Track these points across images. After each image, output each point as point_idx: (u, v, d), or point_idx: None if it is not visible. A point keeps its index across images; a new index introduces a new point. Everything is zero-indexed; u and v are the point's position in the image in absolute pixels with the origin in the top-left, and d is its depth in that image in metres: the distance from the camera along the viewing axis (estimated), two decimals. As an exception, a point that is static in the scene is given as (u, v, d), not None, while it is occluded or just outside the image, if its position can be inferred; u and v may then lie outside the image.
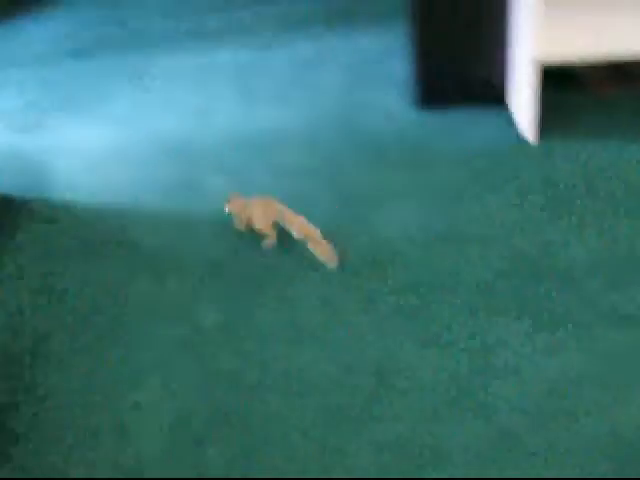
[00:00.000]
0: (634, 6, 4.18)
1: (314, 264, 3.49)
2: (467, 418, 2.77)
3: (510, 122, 4.36)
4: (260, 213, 3.56)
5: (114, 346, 3.23)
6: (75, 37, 6.13)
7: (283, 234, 3.60)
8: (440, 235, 3.60)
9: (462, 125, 4.38)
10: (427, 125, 4.43)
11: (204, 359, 3.13)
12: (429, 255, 3.49)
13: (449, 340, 3.08)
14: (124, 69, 5.52)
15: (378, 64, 5.15)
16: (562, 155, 4.05)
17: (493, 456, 2.63)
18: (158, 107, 4.96)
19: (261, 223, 3.58)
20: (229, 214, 3.71)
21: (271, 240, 3.60)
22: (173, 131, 4.69)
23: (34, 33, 6.27)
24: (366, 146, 4.31)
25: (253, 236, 3.66)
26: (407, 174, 4.05)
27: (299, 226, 3.51)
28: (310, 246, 3.50)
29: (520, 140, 4.20)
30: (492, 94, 4.48)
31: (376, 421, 2.80)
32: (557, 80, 4.57)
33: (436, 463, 2.62)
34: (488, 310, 3.18)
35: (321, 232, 3.48)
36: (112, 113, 4.96)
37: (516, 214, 3.68)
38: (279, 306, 3.34)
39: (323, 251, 3.46)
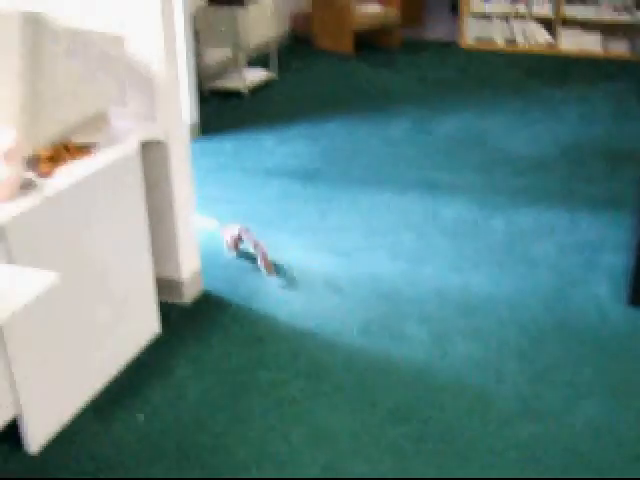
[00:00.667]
0: None
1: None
2: None
3: None
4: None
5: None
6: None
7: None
8: None
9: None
10: None
11: None
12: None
13: None
14: (356, 202, 5.91)
15: (594, 249, 5.18)
16: None
17: None
18: (381, 247, 5.26)
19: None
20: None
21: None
22: (386, 272, 4.94)
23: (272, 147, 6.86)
24: (572, 334, 4.31)
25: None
26: (615, 373, 4.01)
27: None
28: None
29: None
30: None
31: None
32: None
33: None
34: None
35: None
36: (340, 243, 5.32)
37: None
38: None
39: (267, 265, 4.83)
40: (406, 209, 5.82)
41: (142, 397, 3.90)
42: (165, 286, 4.62)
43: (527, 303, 4.60)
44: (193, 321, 4.51)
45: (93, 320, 3.86)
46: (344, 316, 4.52)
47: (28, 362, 3.46)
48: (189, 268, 4.68)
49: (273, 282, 4.87)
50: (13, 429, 3.54)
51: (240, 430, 3.65)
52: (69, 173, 3.52)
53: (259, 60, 9.49)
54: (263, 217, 5.71)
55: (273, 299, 4.69)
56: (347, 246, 5.31)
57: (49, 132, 3.52)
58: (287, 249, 5.26)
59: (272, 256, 5.08)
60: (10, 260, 3.27)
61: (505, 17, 10.30)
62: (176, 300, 4.68)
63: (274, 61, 9.22)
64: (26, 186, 3.34)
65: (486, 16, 10.38)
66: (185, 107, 7.30)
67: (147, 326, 4.33)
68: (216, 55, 9.02)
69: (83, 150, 3.66)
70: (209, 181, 6.37)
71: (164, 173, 4.38)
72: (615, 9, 9.75)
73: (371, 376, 4.00)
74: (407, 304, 4.61)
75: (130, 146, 3.91)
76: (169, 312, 4.56)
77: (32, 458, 3.54)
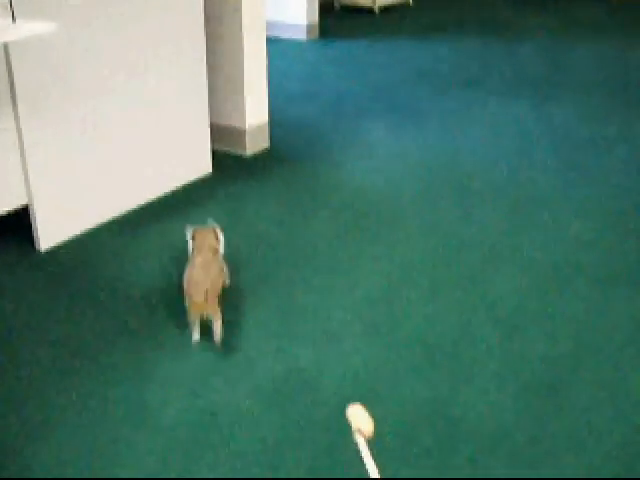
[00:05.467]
0: None
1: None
2: None
3: None
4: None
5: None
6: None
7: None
8: None
9: None
10: None
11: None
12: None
13: None
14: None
15: None
16: None
17: None
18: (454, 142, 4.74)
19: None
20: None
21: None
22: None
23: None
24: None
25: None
26: None
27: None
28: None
29: None
30: None
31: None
32: None
33: None
34: None
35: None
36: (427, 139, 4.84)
37: None
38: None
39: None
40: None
41: (168, 223, 3.61)
42: (228, 134, 4.33)
43: None
44: (249, 170, 4.18)
45: (137, 140, 3.62)
46: (405, 182, 4.04)
47: (42, 156, 3.26)
48: (255, 119, 4.36)
49: (342, 149, 4.45)
50: (29, 228, 3.35)
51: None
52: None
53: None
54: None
55: (338, 163, 4.29)
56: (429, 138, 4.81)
57: None
58: (374, 130, 4.83)
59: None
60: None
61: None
62: (239, 151, 4.37)
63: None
64: None
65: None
66: (301, 6, 7.05)
67: (198, 164, 4.06)
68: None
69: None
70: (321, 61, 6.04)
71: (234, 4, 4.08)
72: None
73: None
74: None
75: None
76: (227, 160, 4.26)
77: (39, 256, 3.33)
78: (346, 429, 2.36)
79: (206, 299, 2.69)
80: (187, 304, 2.76)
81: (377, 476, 1.61)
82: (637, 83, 5.80)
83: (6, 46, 3.02)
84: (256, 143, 4.42)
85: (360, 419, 1.67)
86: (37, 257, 3.32)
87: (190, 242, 3.01)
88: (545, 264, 3.29)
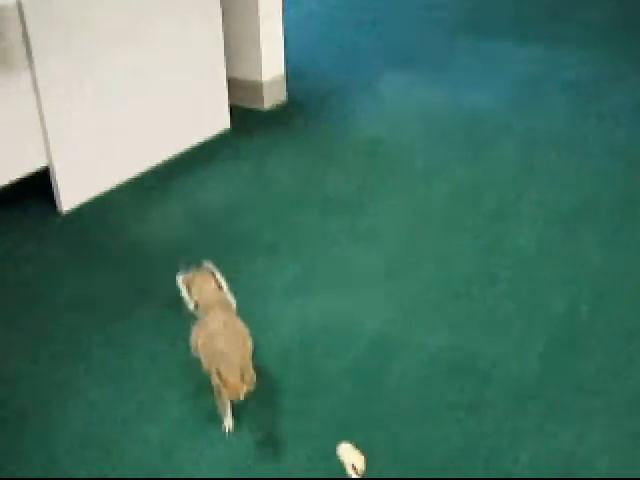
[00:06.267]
0: None
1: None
2: None
3: None
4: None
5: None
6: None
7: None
8: None
9: None
10: None
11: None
12: None
13: None
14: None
15: None
16: None
17: None
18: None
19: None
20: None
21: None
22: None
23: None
24: None
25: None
26: None
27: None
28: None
29: None
30: None
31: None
32: None
33: None
34: None
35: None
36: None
37: None
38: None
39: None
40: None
41: (189, 180, 3.60)
42: (245, 88, 4.27)
43: None
44: (267, 124, 4.14)
45: (155, 97, 3.58)
46: (418, 128, 4.00)
47: (63, 116, 3.23)
48: (271, 71, 4.30)
49: (359, 99, 4.39)
50: (50, 189, 3.35)
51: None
52: None
53: None
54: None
55: (355, 113, 4.24)
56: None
57: None
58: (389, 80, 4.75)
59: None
60: None
61: None
62: (256, 105, 4.33)
63: None
64: None
65: None
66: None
67: (216, 120, 4.02)
68: None
69: None
70: None
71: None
72: None
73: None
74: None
75: None
76: (245, 114, 4.22)
77: (60, 218, 3.33)
78: (375, 375, 2.41)
79: (243, 377, 2.10)
80: (215, 385, 2.16)
81: None
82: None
83: (20, 6, 2.98)
84: (273, 96, 4.36)
85: (352, 455, 1.70)
86: (59, 219, 3.32)
87: (185, 292, 2.38)
88: (561, 204, 3.28)
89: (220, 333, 2.23)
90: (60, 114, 3.22)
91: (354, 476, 1.65)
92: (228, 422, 2.25)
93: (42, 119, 3.18)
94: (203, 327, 2.28)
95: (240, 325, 2.30)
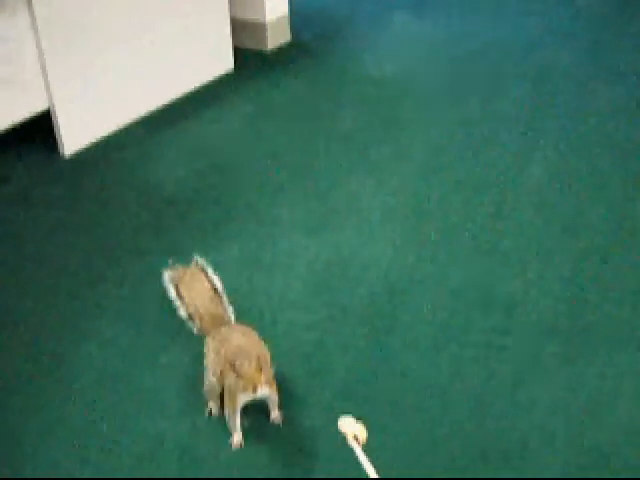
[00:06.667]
0: None
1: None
2: None
3: None
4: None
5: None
6: None
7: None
8: None
9: None
10: None
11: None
12: None
13: None
14: None
15: None
16: None
17: None
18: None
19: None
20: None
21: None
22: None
23: None
24: None
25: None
26: None
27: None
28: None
29: None
30: None
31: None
32: None
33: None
34: None
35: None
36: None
37: None
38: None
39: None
40: None
41: (194, 121, 3.52)
42: (248, 29, 4.16)
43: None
44: (271, 65, 4.05)
45: (158, 38, 3.49)
46: (425, 69, 3.91)
47: (62, 56, 3.14)
48: (274, 11, 4.19)
49: (364, 40, 4.28)
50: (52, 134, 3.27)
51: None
52: None
53: None
54: None
55: (361, 55, 4.13)
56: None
57: None
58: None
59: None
60: None
61: None
62: (260, 46, 4.22)
63: None
64: None
65: None
66: None
67: (220, 61, 3.92)
68: None
69: None
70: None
71: None
72: None
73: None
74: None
75: None
76: (249, 56, 4.12)
77: (64, 161, 3.26)
78: (390, 310, 2.38)
79: (259, 368, 1.87)
80: (228, 387, 1.92)
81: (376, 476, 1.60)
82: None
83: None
84: (277, 37, 4.26)
85: (354, 427, 1.67)
86: (61, 162, 3.26)
87: (173, 293, 2.10)
88: (576, 136, 3.21)
89: (235, 331, 2.03)
90: (60, 55, 3.14)
91: (356, 446, 1.64)
92: (238, 437, 1.97)
93: (42, 60, 3.09)
94: (211, 337, 2.04)
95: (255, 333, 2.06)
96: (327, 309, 2.40)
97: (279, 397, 1.99)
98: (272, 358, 2.04)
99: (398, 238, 2.69)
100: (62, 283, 2.57)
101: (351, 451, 1.65)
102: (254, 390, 1.87)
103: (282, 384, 2.08)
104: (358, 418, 1.71)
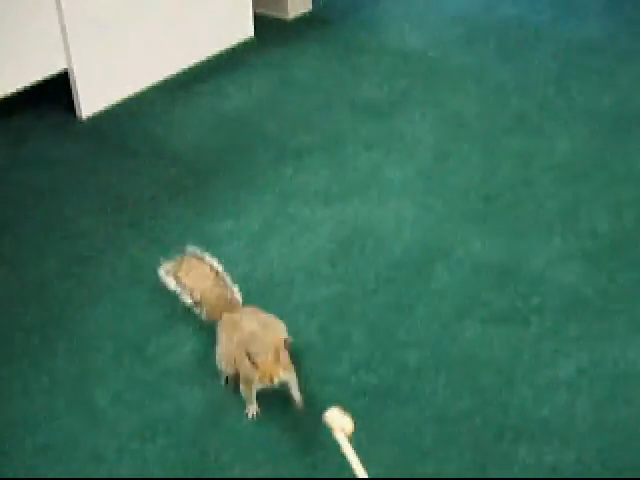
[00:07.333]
0: None
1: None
2: None
3: None
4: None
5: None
6: None
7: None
8: None
9: None
10: None
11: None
12: None
13: None
14: None
15: None
16: None
17: None
18: None
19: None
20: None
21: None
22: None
23: None
24: None
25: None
26: None
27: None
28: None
29: None
30: None
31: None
32: None
33: None
34: None
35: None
36: None
37: None
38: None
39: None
40: None
41: (214, 85, 3.47)
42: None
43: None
44: (292, 34, 3.98)
45: (176, 1, 3.44)
46: (447, 38, 3.83)
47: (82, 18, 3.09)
48: (296, -22, 4.11)
49: (386, 9, 4.20)
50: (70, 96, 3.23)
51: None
52: None
53: None
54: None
55: (383, 24, 4.06)
56: None
57: None
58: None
59: None
60: None
61: None
62: (280, 14, 4.14)
63: None
64: None
65: None
66: None
67: (239, 28, 3.85)
68: None
69: None
70: None
71: None
72: None
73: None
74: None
75: None
76: (269, 23, 4.04)
77: (81, 124, 3.22)
78: (413, 280, 2.36)
79: (277, 358, 1.82)
80: (244, 375, 1.89)
81: (363, 473, 1.57)
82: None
83: None
84: (298, 5, 4.19)
85: (341, 420, 1.65)
86: (78, 125, 3.22)
87: (173, 285, 2.08)
88: (600, 111, 3.16)
89: (247, 318, 1.98)
90: (80, 15, 3.08)
91: (343, 440, 1.61)
92: (253, 408, 1.94)
93: (61, 19, 3.04)
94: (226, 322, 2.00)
95: (260, 312, 2.03)
96: (346, 280, 2.37)
97: (297, 375, 1.94)
98: (288, 331, 2.03)
99: (420, 209, 2.66)
100: (79, 244, 2.55)
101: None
102: (271, 381, 1.84)
103: (299, 358, 2.07)
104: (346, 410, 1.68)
